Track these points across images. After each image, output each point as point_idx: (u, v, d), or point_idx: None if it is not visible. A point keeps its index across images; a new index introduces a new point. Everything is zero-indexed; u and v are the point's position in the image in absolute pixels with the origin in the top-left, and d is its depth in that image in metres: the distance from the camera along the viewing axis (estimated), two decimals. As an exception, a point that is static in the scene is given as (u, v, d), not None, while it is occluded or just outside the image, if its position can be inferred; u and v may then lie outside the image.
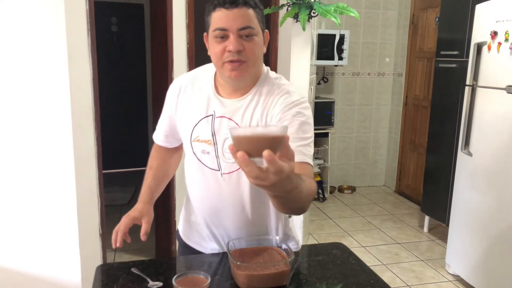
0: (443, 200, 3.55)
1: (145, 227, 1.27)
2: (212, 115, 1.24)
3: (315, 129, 1.23)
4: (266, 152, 0.74)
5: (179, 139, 1.40)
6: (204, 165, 1.27)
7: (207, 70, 1.32)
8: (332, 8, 2.58)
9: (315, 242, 3.61)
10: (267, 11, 2.48)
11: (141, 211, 1.32)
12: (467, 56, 2.98)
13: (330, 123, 4.54)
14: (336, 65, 4.47)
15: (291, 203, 0.98)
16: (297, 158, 1.08)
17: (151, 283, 1.16)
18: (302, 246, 1.46)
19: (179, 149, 1.49)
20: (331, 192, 4.89)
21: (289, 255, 1.18)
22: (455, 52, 3.41)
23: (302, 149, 1.14)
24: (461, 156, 2.97)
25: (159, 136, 1.44)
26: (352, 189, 5.03)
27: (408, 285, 2.98)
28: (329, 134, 4.59)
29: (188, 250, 1.43)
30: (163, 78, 2.86)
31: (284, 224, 1.36)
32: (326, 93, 4.87)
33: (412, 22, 4.63)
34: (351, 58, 4.79)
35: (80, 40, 2.13)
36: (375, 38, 4.92)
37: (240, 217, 1.29)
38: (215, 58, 1.18)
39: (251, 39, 1.15)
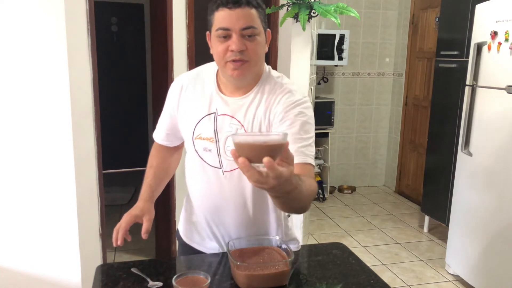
0: (443, 200, 3.55)
1: (146, 225, 1.27)
2: (215, 113, 1.25)
3: (315, 129, 1.24)
4: (266, 159, 0.78)
5: (180, 138, 1.41)
6: (206, 162, 1.27)
7: (209, 68, 1.33)
8: (332, 8, 2.58)
9: (315, 242, 3.62)
10: (267, 11, 2.48)
11: (142, 209, 1.33)
12: (467, 56, 2.98)
13: (330, 123, 4.54)
14: (336, 65, 4.47)
15: (291, 203, 1.01)
16: (299, 159, 1.12)
17: (151, 283, 1.16)
18: (302, 246, 1.46)
19: (179, 148, 1.50)
20: (331, 192, 4.89)
21: (289, 255, 1.18)
22: (455, 52, 3.41)
23: (304, 150, 1.16)
24: (461, 156, 2.97)
25: (160, 135, 1.44)
26: (352, 189, 5.03)
27: (408, 285, 2.98)
28: (329, 134, 4.59)
29: (189, 250, 1.43)
30: (163, 78, 2.86)
31: (284, 223, 1.37)
32: (326, 93, 4.87)
33: (412, 22, 4.63)
34: (351, 58, 4.79)
35: (80, 40, 2.13)
36: (375, 38, 4.92)
37: (241, 215, 1.29)
38: (218, 57, 1.19)
39: (254, 39, 1.16)
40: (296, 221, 2.95)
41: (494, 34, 2.63)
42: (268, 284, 1.13)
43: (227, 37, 1.15)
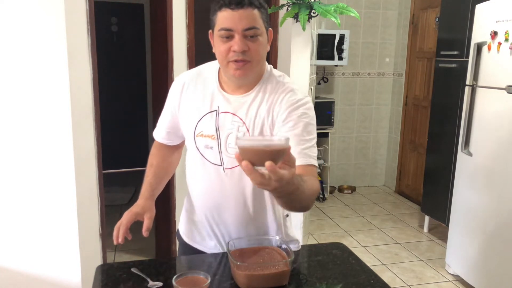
0: (443, 200, 3.55)
1: (147, 223, 1.27)
2: (216, 110, 1.26)
3: (315, 129, 1.25)
4: (268, 163, 0.81)
5: (180, 137, 1.41)
6: (207, 160, 1.28)
7: (210, 67, 1.34)
8: (332, 8, 2.58)
9: (315, 242, 3.61)
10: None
11: (143, 207, 1.33)
12: (467, 56, 2.98)
13: (330, 123, 4.54)
14: (336, 65, 4.47)
15: (293, 202, 1.03)
16: (302, 161, 1.15)
17: (151, 283, 1.16)
18: (302, 246, 1.46)
19: (179, 147, 1.50)
20: (331, 192, 4.89)
21: (289, 255, 1.18)
22: (455, 52, 3.41)
23: (308, 152, 1.18)
24: (461, 156, 2.97)
25: (160, 133, 1.44)
26: (352, 189, 5.03)
27: (408, 285, 2.98)
28: (329, 134, 4.59)
29: (189, 250, 1.43)
30: (163, 78, 2.86)
31: (283, 223, 1.37)
32: (326, 93, 4.87)
33: (412, 22, 4.63)
34: (351, 58, 4.79)
35: (80, 40, 2.13)
36: (375, 38, 4.92)
37: (241, 213, 1.30)
38: (220, 56, 1.20)
39: (256, 40, 1.17)
40: (296, 221, 2.95)
41: (494, 34, 2.63)
42: (268, 284, 1.13)
43: (229, 37, 1.16)
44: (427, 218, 3.90)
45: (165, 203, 2.90)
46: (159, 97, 2.83)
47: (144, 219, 1.30)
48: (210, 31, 1.23)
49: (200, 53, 2.74)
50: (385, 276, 3.06)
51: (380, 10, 4.86)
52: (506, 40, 2.53)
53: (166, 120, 1.40)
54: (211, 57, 1.29)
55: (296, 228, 2.94)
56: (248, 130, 1.23)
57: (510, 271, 2.52)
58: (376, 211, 4.42)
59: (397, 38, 4.93)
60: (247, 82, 1.25)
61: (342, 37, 4.27)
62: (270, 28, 1.24)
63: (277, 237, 1.30)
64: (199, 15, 2.98)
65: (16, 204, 2.12)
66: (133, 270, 1.22)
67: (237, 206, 1.29)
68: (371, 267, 1.31)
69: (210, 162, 1.28)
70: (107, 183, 2.54)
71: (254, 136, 1.22)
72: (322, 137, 4.56)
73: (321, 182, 4.64)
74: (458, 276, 3.04)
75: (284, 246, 1.24)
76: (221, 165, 1.27)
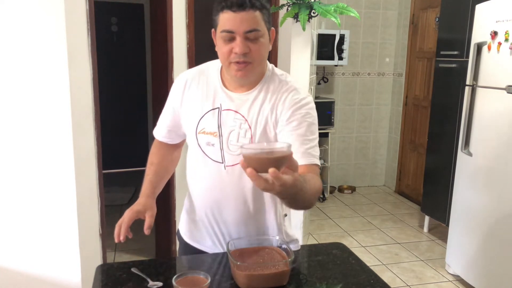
0: (443, 200, 3.55)
1: (148, 221, 1.27)
2: (219, 107, 1.27)
3: (315, 129, 1.26)
4: (271, 170, 0.85)
5: (180, 135, 1.42)
6: (208, 157, 1.29)
7: (212, 65, 1.35)
8: (332, 8, 2.58)
9: (315, 242, 3.62)
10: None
11: (145, 205, 1.33)
12: (467, 56, 2.98)
13: (330, 123, 4.54)
14: (336, 65, 4.47)
15: (297, 202, 1.06)
16: (306, 160, 1.19)
17: (151, 283, 1.16)
18: (302, 246, 1.46)
19: (179, 146, 1.51)
20: (331, 192, 4.89)
21: (289, 255, 1.18)
22: (455, 52, 3.41)
23: (311, 151, 1.22)
24: (461, 156, 2.97)
25: (161, 132, 1.45)
26: (352, 189, 5.03)
27: (408, 285, 2.98)
28: (329, 134, 4.59)
29: (189, 249, 1.43)
30: (163, 78, 2.86)
31: (283, 222, 1.38)
32: (326, 93, 4.87)
33: (412, 22, 4.63)
34: (351, 58, 4.79)
35: (80, 40, 2.13)
36: (375, 38, 4.92)
37: (241, 211, 1.31)
38: (222, 57, 1.21)
39: (257, 41, 1.18)
40: (296, 221, 2.95)
41: (494, 34, 2.63)
42: (268, 284, 1.13)
43: (231, 39, 1.17)
44: (427, 218, 3.90)
45: (165, 203, 2.90)
46: (159, 97, 2.83)
47: (145, 217, 1.30)
48: (213, 30, 1.24)
49: (200, 53, 2.74)
50: (385, 276, 3.06)
51: (380, 10, 4.87)
52: (506, 40, 2.53)
53: (167, 118, 1.41)
54: (211, 57, 1.29)
55: (296, 228, 2.95)
56: (250, 127, 1.24)
57: (510, 271, 2.52)
58: (376, 211, 4.42)
59: (397, 38, 4.93)
60: (249, 82, 1.26)
61: (342, 37, 4.27)
62: (272, 28, 1.25)
63: (277, 237, 1.30)
64: (199, 15, 2.99)
65: (16, 204, 2.12)
66: (133, 270, 1.22)
67: (237, 204, 1.30)
68: (371, 267, 1.31)
69: (211, 159, 1.29)
70: (107, 183, 2.54)
71: (258, 143, 1.23)
72: (322, 137, 4.56)
73: (321, 182, 4.64)
74: (458, 276, 3.04)
75: (284, 246, 1.24)
76: (222, 163, 1.27)
